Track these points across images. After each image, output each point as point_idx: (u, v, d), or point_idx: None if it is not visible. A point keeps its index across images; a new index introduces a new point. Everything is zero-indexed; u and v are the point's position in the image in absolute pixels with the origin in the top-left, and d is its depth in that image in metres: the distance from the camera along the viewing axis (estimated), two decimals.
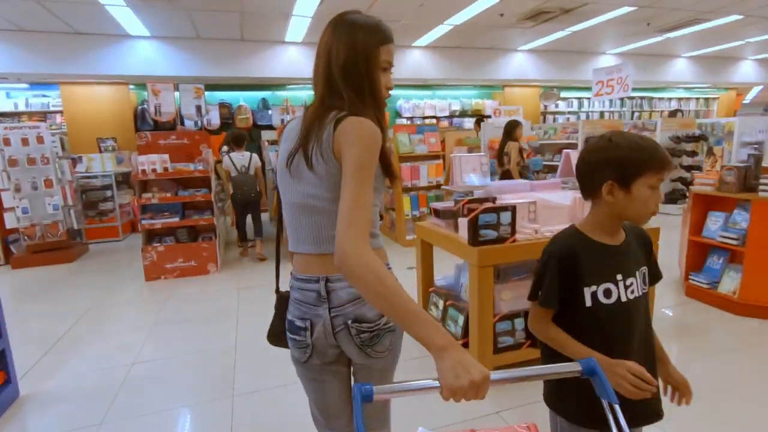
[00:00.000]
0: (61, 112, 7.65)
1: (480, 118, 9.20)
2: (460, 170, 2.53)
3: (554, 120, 11.22)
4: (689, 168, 7.34)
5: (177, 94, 5.15)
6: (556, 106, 11.14)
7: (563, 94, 10.99)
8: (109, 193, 6.53)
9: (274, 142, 7.30)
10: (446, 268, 3.09)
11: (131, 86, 7.85)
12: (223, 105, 8.30)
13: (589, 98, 11.50)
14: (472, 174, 2.54)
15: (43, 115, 7.73)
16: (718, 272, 3.32)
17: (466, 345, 2.43)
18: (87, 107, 7.56)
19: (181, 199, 4.56)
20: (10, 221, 5.10)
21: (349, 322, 1.05)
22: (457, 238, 2.43)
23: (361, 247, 0.83)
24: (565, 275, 1.08)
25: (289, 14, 5.90)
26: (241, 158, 5.21)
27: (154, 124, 7.59)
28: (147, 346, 3.05)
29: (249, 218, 5.47)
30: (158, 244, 4.53)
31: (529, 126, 7.00)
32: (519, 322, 2.43)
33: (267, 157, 6.95)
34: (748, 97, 14.23)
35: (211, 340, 3.11)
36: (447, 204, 2.69)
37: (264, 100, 8.67)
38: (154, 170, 4.39)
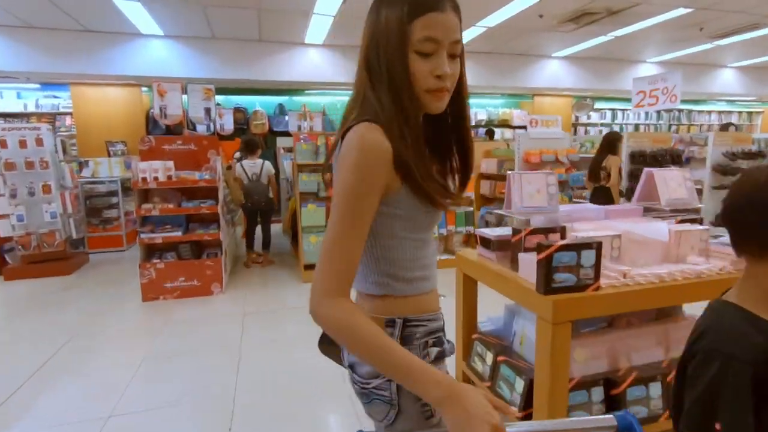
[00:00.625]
0: (71, 113, 7.36)
1: (491, 129, 8.64)
2: (520, 191, 1.99)
3: (585, 132, 10.58)
4: None
5: (185, 97, 4.73)
6: (589, 117, 10.51)
7: (596, 105, 10.36)
8: (114, 199, 6.14)
9: (290, 150, 6.85)
10: (491, 304, 2.54)
11: (144, 88, 7.52)
12: (237, 109, 7.92)
13: (623, 110, 10.85)
14: (536, 195, 2.00)
15: (53, 117, 7.45)
16: None
17: (528, 417, 1.87)
18: (97, 109, 7.25)
19: (185, 210, 4.12)
20: (4, 229, 4.72)
21: (346, 364, 0.95)
22: (517, 279, 1.88)
23: (322, 301, 0.73)
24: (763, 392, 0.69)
25: (310, 12, 5.47)
26: (253, 165, 4.80)
27: (167, 129, 7.24)
28: (132, 388, 2.56)
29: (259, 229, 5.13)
30: (158, 261, 4.07)
31: (568, 138, 6.42)
32: (597, 393, 1.86)
33: (282, 165, 6.50)
34: None
35: (207, 383, 2.61)
36: (500, 232, 2.15)
37: (281, 105, 8.28)
38: (156, 178, 3.95)
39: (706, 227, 2.02)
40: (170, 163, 4.08)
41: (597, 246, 1.70)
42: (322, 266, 0.74)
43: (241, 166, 4.96)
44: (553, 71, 8.35)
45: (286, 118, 8.06)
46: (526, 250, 1.95)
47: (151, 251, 4.21)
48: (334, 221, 0.75)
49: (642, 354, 2.00)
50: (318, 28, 6.15)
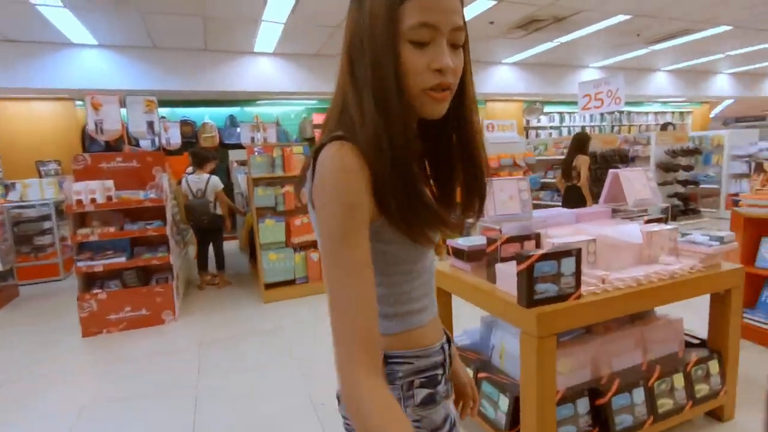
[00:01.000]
0: None
1: None
2: (494, 198, 1.91)
3: (537, 135, 10.93)
4: (685, 183, 7.05)
5: (124, 110, 4.36)
6: (539, 120, 10.87)
7: (545, 109, 10.74)
8: (47, 224, 5.58)
9: (243, 163, 6.54)
10: (465, 316, 2.44)
11: (78, 102, 6.95)
12: (185, 122, 7.49)
13: (570, 113, 11.32)
14: (509, 202, 1.92)
15: None
16: None
17: None
18: (25, 126, 6.60)
19: (129, 234, 3.76)
20: None
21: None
22: (496, 292, 1.79)
23: (352, 378, 0.59)
24: None
25: (258, 19, 5.25)
26: (198, 181, 4.51)
27: (107, 145, 6.72)
28: None
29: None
30: (99, 291, 3.69)
31: (524, 142, 6.55)
32: (582, 405, 1.80)
33: (235, 179, 6.18)
34: (715, 112, 14.50)
35: None
36: (474, 241, 2.06)
37: (232, 116, 7.93)
38: (93, 200, 3.57)
39: (674, 226, 2.03)
40: (110, 183, 3.72)
41: (576, 253, 1.63)
42: (342, 336, 0.61)
43: (186, 181, 4.64)
44: (504, 77, 8.56)
45: (238, 129, 7.75)
46: (503, 260, 1.87)
47: (91, 280, 3.81)
48: (333, 277, 0.62)
49: (622, 359, 1.97)
50: (267, 35, 5.94)
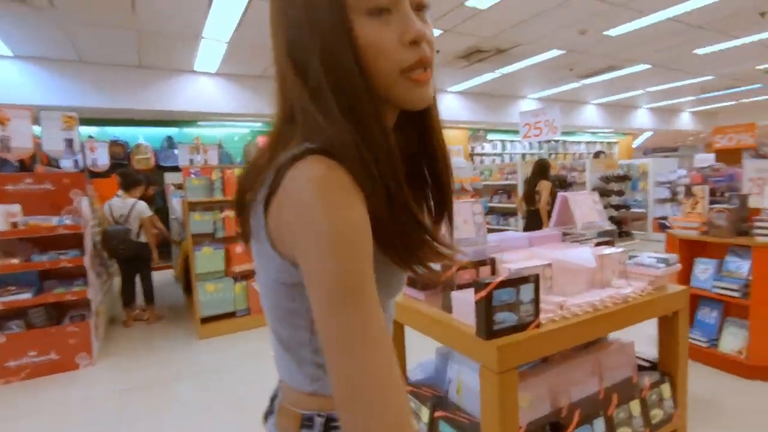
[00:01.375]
0: None
1: None
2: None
3: (481, 161, 11.31)
4: (618, 207, 7.50)
5: (39, 128, 3.91)
6: (483, 147, 11.28)
7: (488, 137, 11.19)
8: None
9: (180, 186, 6.11)
10: (419, 348, 2.30)
11: None
12: (115, 143, 6.94)
13: (511, 141, 11.86)
14: (463, 226, 1.84)
15: None
16: (714, 327, 2.93)
17: None
18: None
19: (37, 266, 3.28)
20: None
21: None
22: (453, 323, 1.66)
23: None
24: None
25: (198, 36, 5.01)
26: (122, 206, 4.10)
27: (21, 165, 6.02)
28: None
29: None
30: None
31: (470, 167, 6.69)
32: None
33: (171, 203, 5.74)
34: (637, 142, 15.90)
35: None
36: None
37: (170, 137, 7.47)
38: None
39: (623, 249, 2.03)
40: (15, 207, 3.25)
41: (535, 279, 1.56)
42: (369, 416, 0.44)
43: (109, 205, 4.21)
44: (451, 105, 8.82)
45: (176, 151, 7.29)
46: (458, 287, 1.77)
47: None
48: (345, 342, 0.45)
49: (580, 388, 1.90)
50: (209, 54, 5.69)
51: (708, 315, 2.99)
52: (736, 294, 2.74)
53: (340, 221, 0.44)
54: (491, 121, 9.55)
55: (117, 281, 5.01)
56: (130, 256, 4.18)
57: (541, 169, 5.12)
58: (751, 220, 2.74)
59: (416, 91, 0.52)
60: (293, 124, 0.53)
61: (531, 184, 5.17)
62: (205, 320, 3.91)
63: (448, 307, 1.74)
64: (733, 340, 2.80)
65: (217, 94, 6.66)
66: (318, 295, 0.46)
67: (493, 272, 1.83)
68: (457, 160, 6.11)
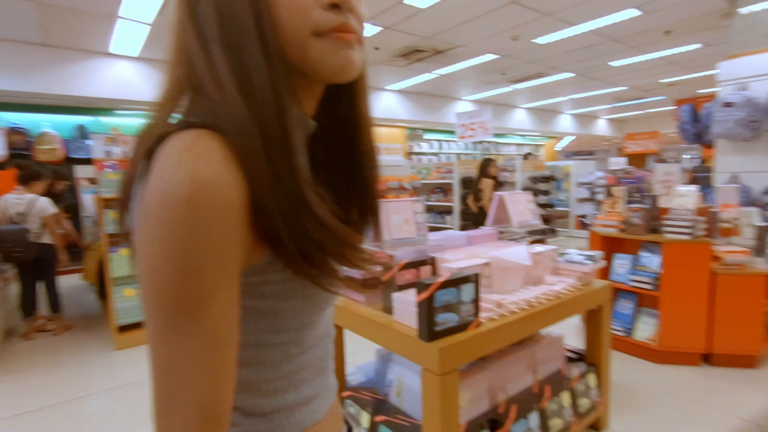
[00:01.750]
0: None
1: None
2: (389, 222, 1.76)
3: (419, 160, 11.50)
4: (545, 206, 7.97)
5: None
6: (420, 146, 11.48)
7: (425, 136, 11.40)
8: None
9: (93, 181, 5.53)
10: (358, 350, 2.25)
11: None
12: (15, 130, 6.11)
13: (447, 140, 12.19)
14: (404, 225, 1.80)
15: None
16: (630, 317, 3.18)
17: None
18: None
19: None
20: None
21: None
22: (394, 325, 1.62)
23: None
24: None
25: (114, 15, 4.53)
26: (19, 202, 3.61)
27: None
28: None
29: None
30: None
31: (409, 166, 6.75)
32: None
33: (82, 200, 5.17)
34: (559, 146, 17.10)
35: None
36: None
37: (81, 126, 6.73)
38: None
39: (555, 246, 2.12)
40: None
41: (475, 278, 1.56)
42: (172, 403, 0.39)
43: (5, 201, 3.68)
44: (390, 103, 8.85)
45: (89, 142, 6.58)
46: (399, 288, 1.73)
47: None
48: (157, 341, 0.39)
49: (515, 383, 1.95)
50: (129, 36, 5.18)
51: (625, 306, 3.25)
52: (648, 286, 3.00)
53: (189, 224, 0.36)
54: (428, 121, 9.73)
55: (16, 288, 4.40)
56: (30, 260, 3.67)
57: (482, 167, 5.37)
58: (661, 219, 3.00)
59: (338, 53, 0.44)
60: (174, 84, 0.46)
61: (476, 182, 5.40)
62: (124, 329, 3.55)
63: (389, 309, 1.69)
64: (645, 329, 3.06)
65: (140, 81, 6.10)
66: (145, 294, 0.39)
67: (435, 272, 1.82)
68: (396, 158, 6.13)
